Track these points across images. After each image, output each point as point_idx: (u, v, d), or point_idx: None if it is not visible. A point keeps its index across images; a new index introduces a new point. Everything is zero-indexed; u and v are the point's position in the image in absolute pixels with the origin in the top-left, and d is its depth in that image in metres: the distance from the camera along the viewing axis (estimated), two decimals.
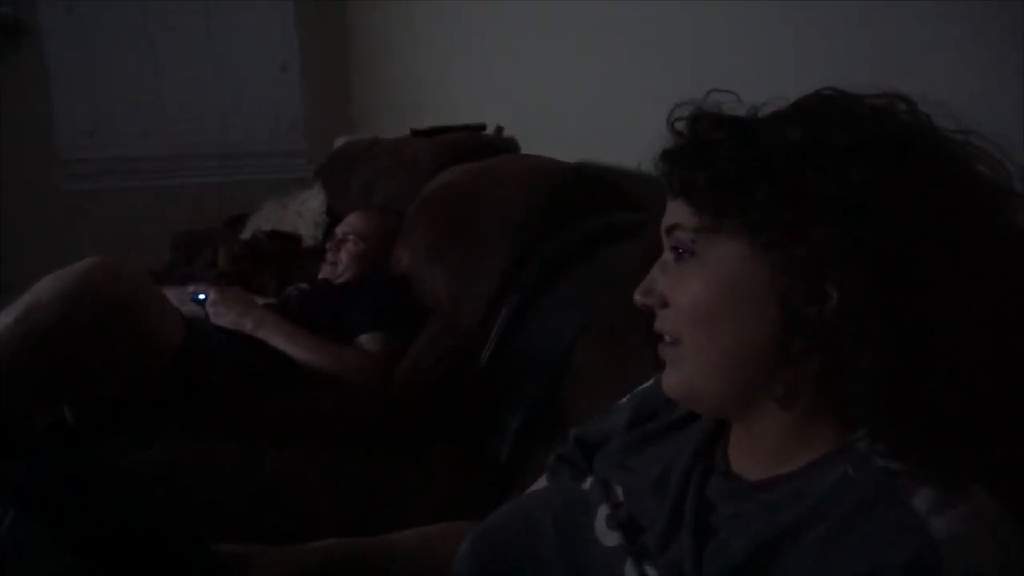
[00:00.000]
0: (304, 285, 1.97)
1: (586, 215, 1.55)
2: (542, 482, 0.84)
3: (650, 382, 0.81)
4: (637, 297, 0.64)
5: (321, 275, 1.99)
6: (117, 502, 0.69)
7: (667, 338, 0.63)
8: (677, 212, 0.62)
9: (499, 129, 2.30)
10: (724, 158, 0.58)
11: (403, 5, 2.99)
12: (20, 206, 2.97)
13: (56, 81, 3.12)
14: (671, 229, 0.62)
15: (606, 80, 1.81)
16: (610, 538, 0.65)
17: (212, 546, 0.73)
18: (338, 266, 1.94)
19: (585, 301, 1.31)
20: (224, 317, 1.66)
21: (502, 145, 2.18)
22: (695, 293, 0.60)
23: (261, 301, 1.89)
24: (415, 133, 2.40)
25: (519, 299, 1.49)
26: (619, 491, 0.69)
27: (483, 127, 2.32)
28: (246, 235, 2.70)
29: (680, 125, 0.63)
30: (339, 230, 2.02)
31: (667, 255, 0.64)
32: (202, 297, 1.71)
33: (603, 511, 0.67)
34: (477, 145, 2.13)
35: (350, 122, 3.57)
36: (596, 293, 1.28)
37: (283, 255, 2.42)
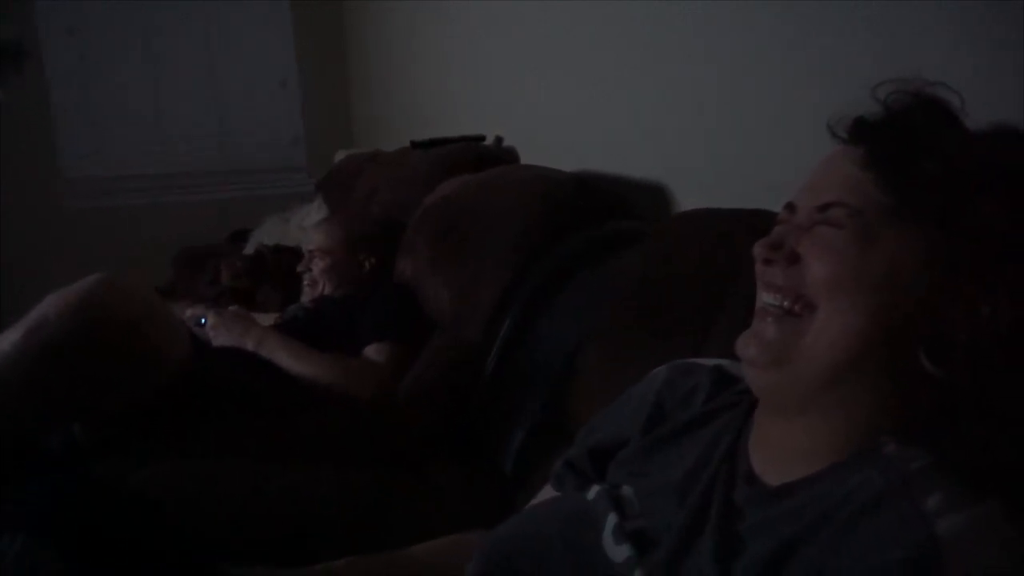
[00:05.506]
0: (308, 303, 1.93)
1: (586, 225, 1.55)
2: (547, 491, 0.84)
3: (659, 368, 0.80)
4: (759, 249, 0.62)
5: (304, 298, 1.93)
6: (126, 525, 0.70)
7: (791, 303, 0.60)
8: (839, 189, 0.60)
9: (498, 140, 2.31)
10: (951, 159, 0.57)
11: (402, 18, 3.01)
12: (23, 224, 2.98)
13: (58, 101, 3.14)
14: (827, 207, 0.60)
15: (605, 90, 1.82)
16: (618, 553, 0.65)
17: (222, 568, 0.73)
18: (316, 285, 1.89)
19: (587, 310, 1.32)
20: (224, 338, 1.64)
21: (502, 156, 2.19)
22: (851, 259, 0.57)
23: (266, 316, 1.89)
24: (415, 145, 2.42)
25: (521, 310, 1.49)
26: (631, 497, 0.69)
27: (482, 138, 2.32)
28: (249, 250, 2.71)
29: (896, 101, 0.61)
30: (305, 249, 1.96)
31: (802, 223, 0.62)
32: (204, 321, 1.68)
33: (611, 521, 0.67)
34: (477, 156, 2.13)
35: (350, 136, 3.58)
36: (598, 302, 1.28)
37: (286, 269, 2.42)
